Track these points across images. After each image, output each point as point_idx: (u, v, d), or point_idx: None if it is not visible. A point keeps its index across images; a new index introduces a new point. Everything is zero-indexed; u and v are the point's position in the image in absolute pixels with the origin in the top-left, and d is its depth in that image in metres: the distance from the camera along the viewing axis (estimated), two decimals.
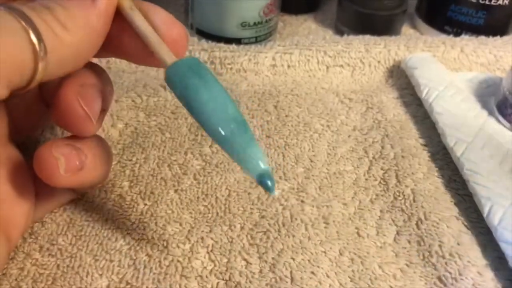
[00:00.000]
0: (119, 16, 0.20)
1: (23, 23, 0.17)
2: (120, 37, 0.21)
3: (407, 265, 0.24)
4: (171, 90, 0.20)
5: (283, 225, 0.25)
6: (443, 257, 0.24)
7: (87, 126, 0.21)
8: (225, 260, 0.24)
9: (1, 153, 0.22)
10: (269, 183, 0.18)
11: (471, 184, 0.27)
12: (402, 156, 0.30)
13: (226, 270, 0.23)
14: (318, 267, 0.23)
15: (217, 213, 0.26)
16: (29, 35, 0.17)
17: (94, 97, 0.21)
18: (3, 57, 0.16)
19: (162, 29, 0.20)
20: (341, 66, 0.36)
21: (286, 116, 0.32)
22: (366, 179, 0.28)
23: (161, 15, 0.20)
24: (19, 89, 0.18)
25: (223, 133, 0.18)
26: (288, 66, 0.36)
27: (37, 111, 0.25)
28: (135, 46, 0.21)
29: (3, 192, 0.21)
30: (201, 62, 0.20)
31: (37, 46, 0.17)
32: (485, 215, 0.25)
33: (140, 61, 0.22)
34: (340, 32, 0.43)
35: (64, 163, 0.20)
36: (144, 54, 0.21)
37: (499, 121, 0.32)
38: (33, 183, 0.23)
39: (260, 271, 0.23)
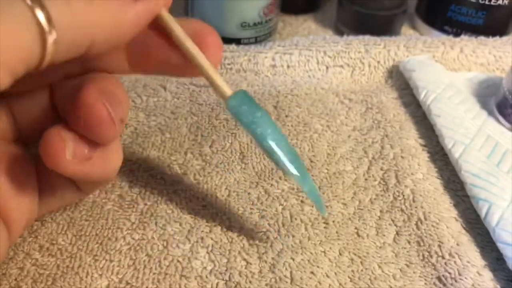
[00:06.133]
0: (156, 28, 0.20)
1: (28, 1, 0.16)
2: (157, 50, 0.21)
3: (406, 265, 0.24)
4: (234, 118, 0.21)
5: (283, 225, 0.25)
6: (443, 257, 0.24)
7: (109, 130, 0.19)
8: (225, 260, 0.24)
9: (2, 149, 0.21)
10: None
11: (469, 186, 0.27)
12: (402, 157, 0.30)
13: (226, 270, 0.23)
14: (318, 267, 0.24)
15: (217, 213, 0.26)
16: (34, 15, 0.15)
17: (117, 102, 0.20)
18: (2, 44, 0.15)
19: (197, 38, 0.20)
20: (341, 66, 0.36)
21: (286, 116, 0.32)
22: (366, 179, 0.28)
23: (194, 25, 0.21)
24: (27, 74, 0.17)
25: (295, 172, 0.22)
26: (288, 67, 0.36)
27: (47, 120, 0.23)
28: (174, 59, 0.21)
29: (3, 187, 0.20)
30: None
31: (45, 26, 0.16)
32: (482, 217, 0.25)
33: (179, 74, 0.22)
34: (340, 32, 0.43)
35: (72, 147, 0.19)
36: (183, 67, 0.21)
37: (499, 121, 0.32)
38: (36, 180, 0.22)
39: (260, 271, 0.23)
